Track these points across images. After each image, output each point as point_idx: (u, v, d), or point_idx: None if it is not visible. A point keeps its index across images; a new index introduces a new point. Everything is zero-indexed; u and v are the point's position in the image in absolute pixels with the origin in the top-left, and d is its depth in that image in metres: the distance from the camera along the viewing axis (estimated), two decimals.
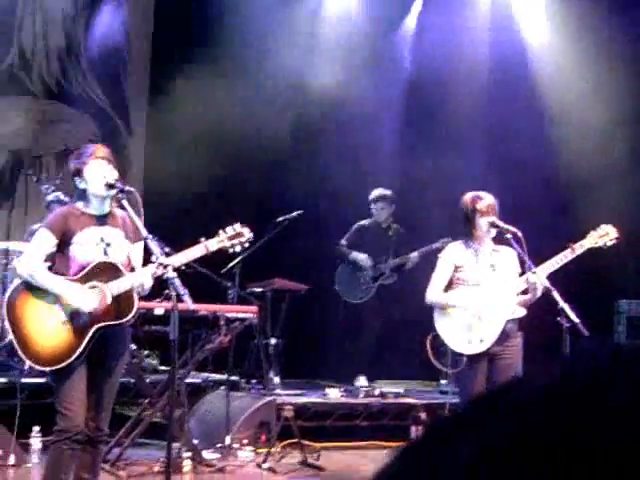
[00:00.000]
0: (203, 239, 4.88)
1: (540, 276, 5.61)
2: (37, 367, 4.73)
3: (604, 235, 5.87)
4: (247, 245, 5.08)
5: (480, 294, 5.69)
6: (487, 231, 5.74)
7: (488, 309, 5.67)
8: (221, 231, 4.95)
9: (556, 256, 5.76)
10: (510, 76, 9.78)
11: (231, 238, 4.94)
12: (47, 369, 4.67)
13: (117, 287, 4.62)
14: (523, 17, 10.01)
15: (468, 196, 5.80)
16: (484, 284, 5.72)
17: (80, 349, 4.55)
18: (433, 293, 5.76)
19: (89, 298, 4.57)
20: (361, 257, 9.02)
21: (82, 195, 4.72)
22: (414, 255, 8.76)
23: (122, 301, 4.64)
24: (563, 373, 0.58)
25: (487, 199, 5.75)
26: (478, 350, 5.63)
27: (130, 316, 4.68)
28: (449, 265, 5.76)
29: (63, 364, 4.53)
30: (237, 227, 4.99)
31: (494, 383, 5.64)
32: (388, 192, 9.10)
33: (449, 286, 5.79)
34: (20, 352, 4.64)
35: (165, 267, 4.52)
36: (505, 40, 9.89)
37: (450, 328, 5.71)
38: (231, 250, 5.00)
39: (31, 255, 4.66)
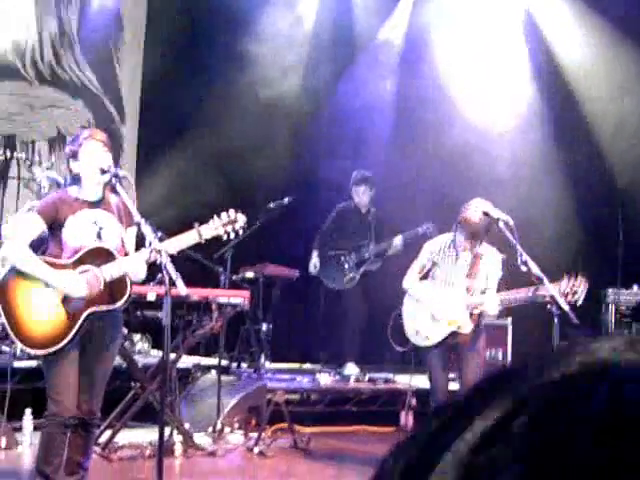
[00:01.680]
0: (197, 224, 4.80)
1: (492, 302, 5.71)
2: (29, 350, 4.68)
3: (572, 292, 5.47)
4: (241, 232, 4.99)
5: (443, 296, 5.85)
6: (466, 239, 5.83)
7: (443, 313, 5.83)
8: (215, 217, 4.85)
9: (520, 290, 5.73)
10: None
11: (225, 225, 4.84)
12: (39, 352, 4.61)
13: (110, 272, 4.54)
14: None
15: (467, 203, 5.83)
16: (452, 288, 5.86)
17: (72, 333, 4.49)
18: (407, 281, 6.00)
19: (78, 284, 4.50)
20: (312, 262, 8.76)
21: (76, 179, 4.65)
22: (397, 242, 8.43)
23: (115, 286, 4.57)
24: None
25: (467, 212, 5.75)
26: (421, 344, 5.91)
27: (123, 301, 4.62)
28: (428, 255, 5.96)
29: (56, 347, 4.47)
30: (232, 213, 4.88)
31: (460, 369, 5.94)
32: (369, 174, 8.76)
33: (425, 276, 5.99)
34: (12, 335, 4.59)
35: (159, 252, 4.45)
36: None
37: (409, 315, 5.98)
38: (225, 237, 4.91)
39: (18, 238, 4.60)
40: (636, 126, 9.09)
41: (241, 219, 4.89)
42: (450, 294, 5.85)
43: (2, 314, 4.58)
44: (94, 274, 4.53)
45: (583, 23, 9.39)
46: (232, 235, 4.90)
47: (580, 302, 5.54)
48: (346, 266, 8.70)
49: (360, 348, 8.84)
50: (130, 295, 4.67)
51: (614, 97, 9.14)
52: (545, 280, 5.61)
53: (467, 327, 5.81)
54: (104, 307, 4.57)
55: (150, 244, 4.55)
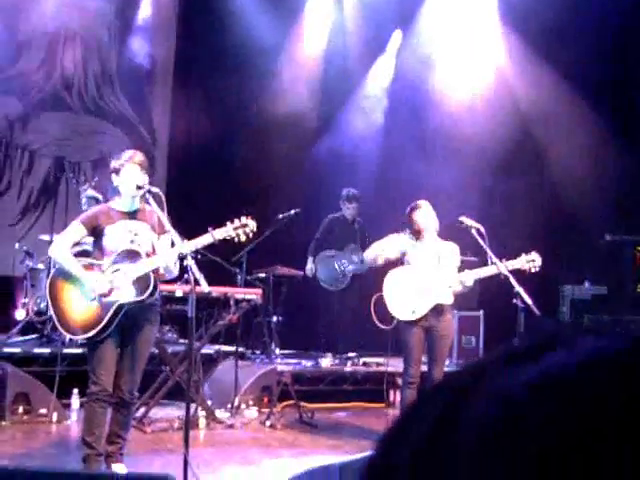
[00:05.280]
0: (210, 228, 4.75)
1: (468, 278, 5.72)
2: (69, 335, 4.74)
3: (531, 261, 5.77)
4: (251, 235, 4.88)
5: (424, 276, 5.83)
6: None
7: (425, 289, 5.79)
8: (229, 222, 4.82)
9: (484, 267, 5.78)
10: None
11: (236, 228, 4.77)
12: (77, 337, 4.67)
13: (136, 270, 4.57)
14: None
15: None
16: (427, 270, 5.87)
17: (105, 321, 4.52)
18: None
19: (101, 283, 4.56)
20: (308, 267, 8.67)
21: (116, 191, 4.70)
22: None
23: (142, 282, 4.59)
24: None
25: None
26: (408, 318, 5.76)
27: (147, 294, 4.59)
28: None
29: (91, 333, 4.52)
30: (243, 219, 4.82)
31: (431, 350, 5.81)
32: (357, 192, 8.65)
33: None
34: (56, 323, 4.66)
35: (184, 256, 4.46)
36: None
37: (395, 295, 5.87)
38: (236, 239, 4.83)
39: (61, 240, 4.66)
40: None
41: (251, 224, 4.81)
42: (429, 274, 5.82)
43: (50, 306, 4.63)
44: (123, 272, 4.56)
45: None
46: (242, 237, 4.78)
47: (538, 268, 5.70)
48: (338, 269, 8.64)
49: (358, 337, 8.76)
50: (154, 289, 4.63)
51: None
52: (511, 278, 5.62)
53: (449, 298, 5.81)
54: (132, 299, 4.58)
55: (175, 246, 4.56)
